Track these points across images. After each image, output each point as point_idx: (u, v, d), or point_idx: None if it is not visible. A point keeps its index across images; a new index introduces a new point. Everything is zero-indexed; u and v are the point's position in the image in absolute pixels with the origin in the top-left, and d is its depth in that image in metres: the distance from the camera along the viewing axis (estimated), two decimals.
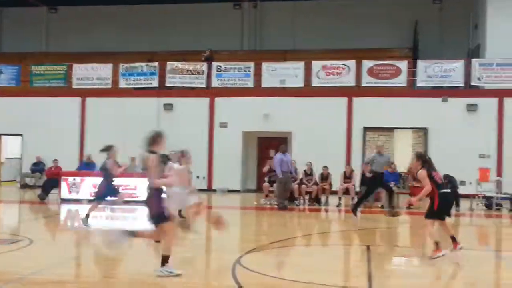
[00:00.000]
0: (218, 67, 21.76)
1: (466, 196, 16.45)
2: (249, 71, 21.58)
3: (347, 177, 17.20)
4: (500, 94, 19.84)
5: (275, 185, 16.46)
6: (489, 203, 16.11)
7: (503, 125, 19.69)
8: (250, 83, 21.56)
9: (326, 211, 15.91)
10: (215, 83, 21.70)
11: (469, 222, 14.69)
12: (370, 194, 15.20)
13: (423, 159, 8.70)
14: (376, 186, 14.76)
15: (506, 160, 19.32)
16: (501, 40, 21.00)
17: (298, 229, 13.01)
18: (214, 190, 19.32)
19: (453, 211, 15.36)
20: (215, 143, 21.36)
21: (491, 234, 12.98)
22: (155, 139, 6.96)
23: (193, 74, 21.97)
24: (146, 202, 6.97)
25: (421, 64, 20.67)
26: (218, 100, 21.51)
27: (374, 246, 10.16)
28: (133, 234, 7.25)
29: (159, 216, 6.83)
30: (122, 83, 22.26)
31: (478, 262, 8.55)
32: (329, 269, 7.81)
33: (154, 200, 6.88)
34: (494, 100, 19.83)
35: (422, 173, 8.49)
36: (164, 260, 6.88)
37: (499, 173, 18.84)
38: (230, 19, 26.70)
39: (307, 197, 16.98)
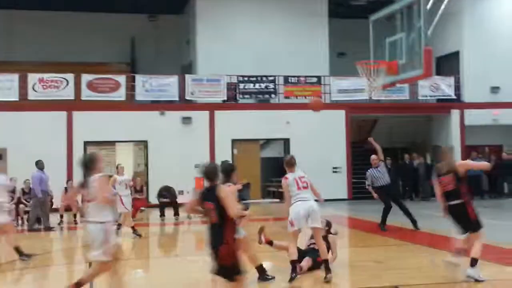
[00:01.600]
0: None
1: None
2: None
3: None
4: (211, 107, 21.69)
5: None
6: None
7: (214, 135, 21.53)
8: None
9: (48, 229, 15.25)
10: None
11: (188, 229, 15.78)
12: None
13: None
14: None
15: None
16: (210, 57, 23.01)
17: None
18: None
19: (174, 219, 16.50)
20: None
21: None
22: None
23: None
24: None
25: (139, 78, 21.46)
26: None
27: None
28: None
29: None
30: None
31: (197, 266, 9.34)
32: None
33: None
34: (206, 113, 21.58)
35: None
36: None
37: None
38: None
39: (25, 216, 16.26)
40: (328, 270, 7.60)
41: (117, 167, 13.87)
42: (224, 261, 5.40)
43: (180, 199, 17.51)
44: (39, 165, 15.10)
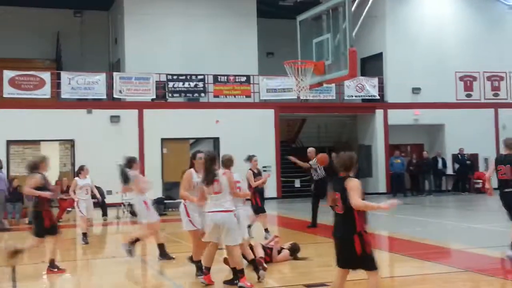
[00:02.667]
0: None
1: (113, 205, 17.33)
2: None
3: None
4: (140, 106, 21.43)
5: None
6: (133, 210, 17.18)
7: (143, 134, 21.29)
8: None
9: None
10: None
11: (116, 229, 15.56)
12: None
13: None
14: None
15: (147, 167, 20.86)
16: (138, 55, 22.71)
17: None
18: None
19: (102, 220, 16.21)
20: None
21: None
22: None
23: None
24: None
25: (64, 76, 20.92)
26: None
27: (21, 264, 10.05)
28: None
29: None
30: None
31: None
32: None
33: None
34: (135, 112, 21.30)
35: None
36: None
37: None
38: None
39: None
40: (257, 269, 7.72)
41: (81, 169, 12.80)
42: (359, 251, 5.54)
43: (108, 200, 17.24)
44: None
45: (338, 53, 12.11)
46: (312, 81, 12.86)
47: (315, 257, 9.73)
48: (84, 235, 12.29)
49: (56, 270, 8.75)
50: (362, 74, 23.96)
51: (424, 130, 24.85)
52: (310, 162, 13.66)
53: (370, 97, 24.23)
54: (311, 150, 13.69)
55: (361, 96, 24.20)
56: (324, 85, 15.28)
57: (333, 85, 22.12)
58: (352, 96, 24.10)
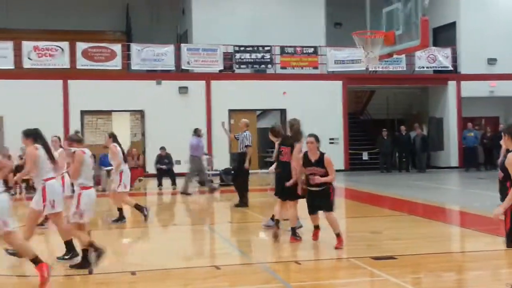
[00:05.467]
0: None
1: (182, 174, 17.61)
2: None
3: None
4: (207, 77, 21.59)
5: None
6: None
7: (211, 105, 21.48)
8: None
9: None
10: None
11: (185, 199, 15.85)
12: None
13: None
14: None
15: (214, 138, 21.13)
16: (205, 26, 22.79)
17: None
18: None
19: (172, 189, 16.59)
20: None
21: (206, 209, 14.26)
22: None
23: None
24: None
25: (134, 47, 21.27)
26: None
27: (95, 229, 10.42)
28: None
29: None
30: None
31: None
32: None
33: None
34: (202, 83, 21.49)
35: None
36: None
37: (209, 151, 20.54)
38: None
39: (23, 184, 16.33)
40: None
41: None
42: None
43: (176, 169, 17.57)
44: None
45: (409, 23, 11.76)
46: (381, 52, 12.54)
47: (384, 230, 9.59)
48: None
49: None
50: (434, 45, 23.20)
51: (500, 102, 23.84)
52: (236, 135, 12.97)
53: (442, 68, 23.46)
54: (242, 121, 12.99)
55: (433, 67, 23.45)
56: (394, 56, 14.82)
57: (403, 56, 21.47)
58: (424, 67, 23.38)
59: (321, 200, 7.97)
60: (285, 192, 8.36)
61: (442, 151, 23.38)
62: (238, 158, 12.81)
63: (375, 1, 12.60)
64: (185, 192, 15.38)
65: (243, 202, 12.41)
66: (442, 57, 23.20)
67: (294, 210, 8.46)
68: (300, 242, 8.36)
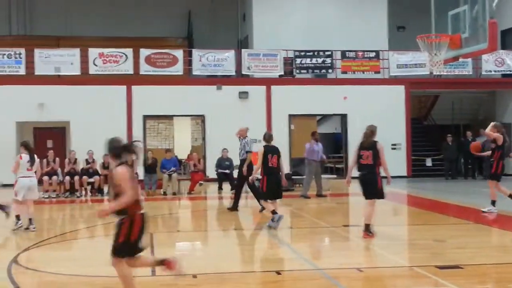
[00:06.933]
0: None
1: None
2: (20, 58, 20.46)
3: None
4: (268, 82, 21.60)
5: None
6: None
7: (271, 110, 21.47)
8: (21, 71, 20.47)
9: (109, 200, 15.80)
10: None
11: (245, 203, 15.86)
12: None
13: None
14: None
15: (274, 141, 20.99)
16: (266, 31, 22.85)
17: (81, 222, 12.87)
18: None
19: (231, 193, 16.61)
20: None
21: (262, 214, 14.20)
22: None
23: None
24: None
25: (195, 53, 21.56)
26: None
27: (157, 232, 10.55)
28: None
29: None
30: None
31: None
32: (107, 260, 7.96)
33: None
34: (262, 88, 21.52)
35: None
36: None
37: None
38: None
39: (89, 187, 16.77)
40: None
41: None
42: None
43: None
44: None
45: (476, 25, 11.47)
46: (447, 55, 12.26)
47: (448, 238, 9.26)
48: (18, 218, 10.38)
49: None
50: (502, 48, 22.41)
51: None
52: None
53: (510, 72, 22.63)
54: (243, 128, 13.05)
55: (501, 71, 22.67)
56: (460, 59, 14.47)
57: (469, 59, 20.90)
58: (491, 71, 22.65)
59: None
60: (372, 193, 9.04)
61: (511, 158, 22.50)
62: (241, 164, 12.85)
63: (440, 4, 12.32)
64: (304, 196, 15.44)
65: (260, 207, 11.85)
66: (510, 61, 22.40)
67: (372, 208, 9.03)
68: (373, 238, 8.83)
